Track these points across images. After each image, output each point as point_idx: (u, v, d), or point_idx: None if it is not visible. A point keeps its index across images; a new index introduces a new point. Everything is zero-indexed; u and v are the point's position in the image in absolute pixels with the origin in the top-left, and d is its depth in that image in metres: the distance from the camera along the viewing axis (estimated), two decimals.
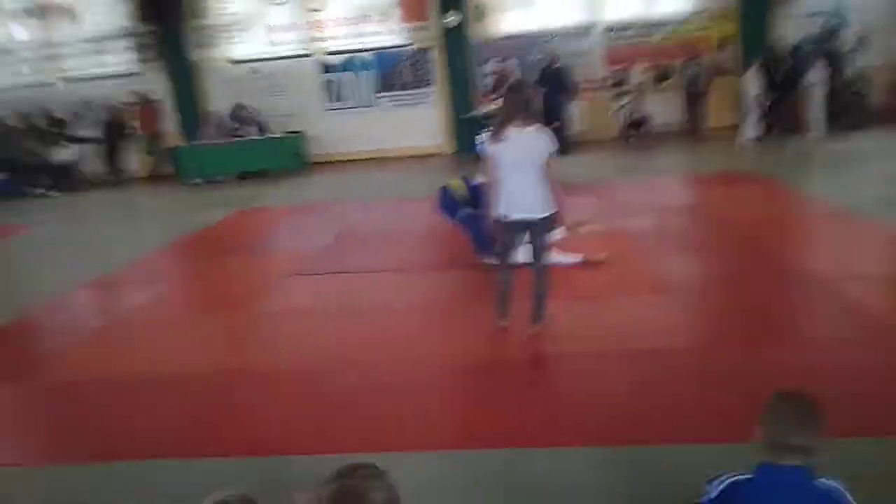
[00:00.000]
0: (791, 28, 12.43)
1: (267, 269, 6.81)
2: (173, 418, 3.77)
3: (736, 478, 1.90)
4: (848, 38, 11.84)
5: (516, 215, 4.10)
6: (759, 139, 11.49)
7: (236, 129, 13.30)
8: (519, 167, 4.00)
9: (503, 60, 13.57)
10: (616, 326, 4.45)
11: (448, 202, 6.20)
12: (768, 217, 6.87)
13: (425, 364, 4.17)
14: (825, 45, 11.75)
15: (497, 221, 4.20)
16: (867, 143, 9.35)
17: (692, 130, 12.33)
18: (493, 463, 3.06)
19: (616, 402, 3.49)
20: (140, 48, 14.37)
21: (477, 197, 5.66)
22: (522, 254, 4.59)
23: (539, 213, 4.07)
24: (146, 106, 14.24)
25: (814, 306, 4.63)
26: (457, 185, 6.15)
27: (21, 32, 14.64)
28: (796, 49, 11.95)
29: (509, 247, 4.30)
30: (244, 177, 13.05)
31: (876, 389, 3.35)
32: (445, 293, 5.54)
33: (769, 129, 11.70)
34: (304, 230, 8.58)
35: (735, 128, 12.62)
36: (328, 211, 9.40)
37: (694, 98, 12.17)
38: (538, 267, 4.28)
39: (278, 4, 13.82)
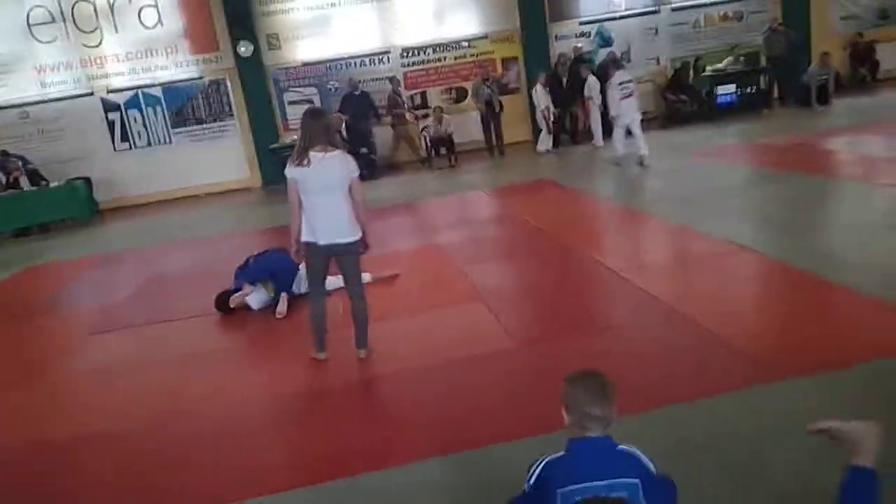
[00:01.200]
0: (566, 47, 13.69)
1: (63, 330, 6.10)
2: None
3: (549, 458, 2.03)
4: (612, 54, 13.26)
5: (323, 241, 4.03)
6: (550, 149, 12.47)
7: (5, 181, 11.84)
8: (324, 191, 3.92)
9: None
10: (436, 339, 4.54)
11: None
12: (565, 218, 7.46)
13: (250, 406, 3.95)
14: (595, 62, 13.10)
15: (304, 248, 4.11)
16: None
17: (491, 146, 13.08)
18: (333, 495, 2.97)
19: (444, 412, 3.55)
20: None
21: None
22: (332, 282, 4.61)
23: (346, 238, 4.02)
24: None
25: (610, 296, 5.07)
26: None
27: None
28: (573, 66, 13.18)
29: (318, 274, 4.21)
30: (22, 233, 11.64)
31: (665, 365, 3.73)
32: (262, 331, 5.33)
33: (557, 139, 12.77)
34: (100, 283, 7.81)
35: (528, 141, 13.64)
36: (129, 259, 8.67)
37: (489, 116, 12.92)
38: (353, 291, 4.23)
39: (47, 42, 12.58)
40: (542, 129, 12.67)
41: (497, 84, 13.15)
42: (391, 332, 4.75)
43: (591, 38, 13.94)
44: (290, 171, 3.97)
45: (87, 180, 12.41)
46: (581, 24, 14.03)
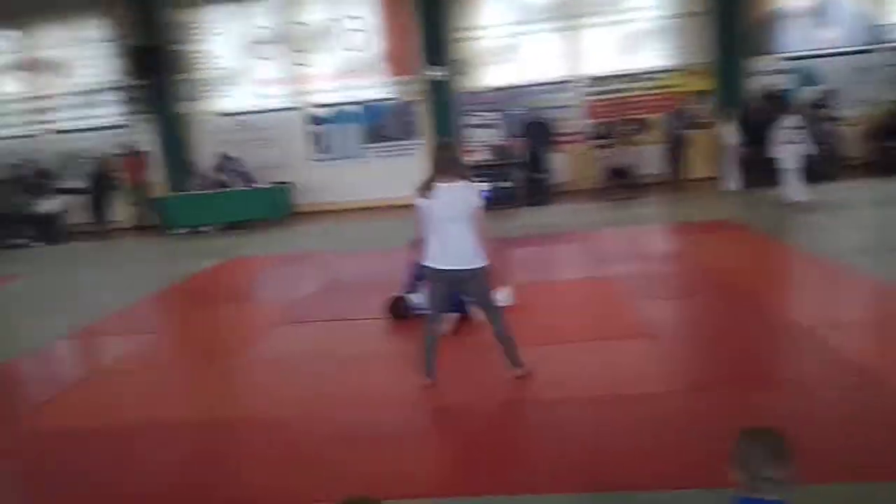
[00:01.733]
0: (764, 82, 12.91)
1: (253, 318, 6.78)
2: (154, 471, 3.70)
3: None
4: (818, 93, 12.28)
5: (447, 266, 4.19)
6: (739, 189, 11.76)
7: (222, 180, 13.40)
8: (449, 220, 4.12)
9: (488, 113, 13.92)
10: (597, 371, 4.47)
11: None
12: (749, 265, 6.98)
13: (417, 411, 4.15)
14: (797, 100, 12.18)
15: (429, 273, 4.30)
16: (841, 193, 9.60)
17: (673, 181, 12.59)
18: None
19: (595, 447, 3.49)
20: (129, 101, 14.56)
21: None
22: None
23: (469, 265, 4.17)
24: (133, 157, 14.35)
25: (794, 352, 4.67)
26: None
27: (10, 85, 14.78)
28: (769, 103, 12.39)
29: (441, 300, 4.37)
30: (230, 227, 13.11)
31: (855, 435, 3.37)
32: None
33: (748, 179, 12.00)
34: (289, 279, 8.58)
35: (714, 179, 12.96)
36: (314, 260, 9.43)
37: (675, 149, 12.46)
38: (489, 313, 4.36)
39: (266, 59, 14.11)
40: (729, 167, 12.00)
41: (687, 118, 12.68)
42: (551, 358, 4.75)
43: (793, 75, 12.99)
44: (418, 201, 4.21)
45: (288, 185, 13.68)
46: (782, 59, 13.13)
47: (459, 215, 4.12)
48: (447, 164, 4.21)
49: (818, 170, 11.49)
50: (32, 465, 3.92)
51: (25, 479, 3.78)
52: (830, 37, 13.02)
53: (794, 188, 9.49)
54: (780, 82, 12.63)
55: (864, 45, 12.94)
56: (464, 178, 4.23)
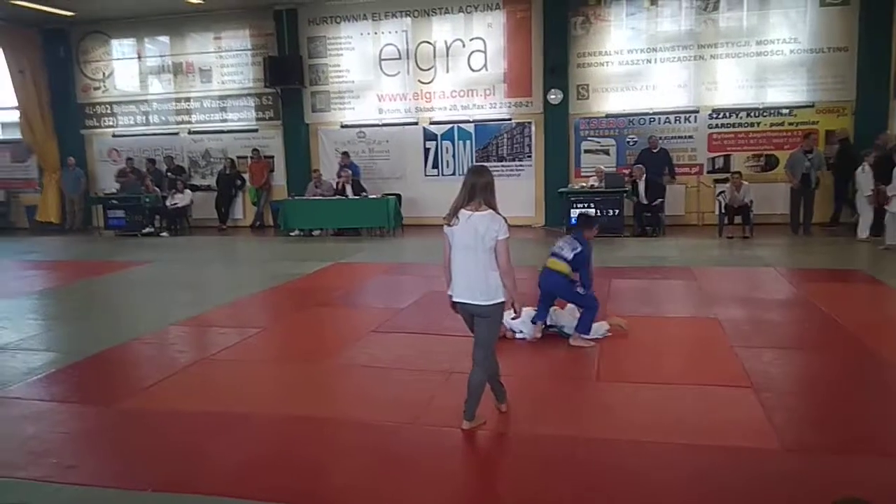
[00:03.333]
0: None
1: (354, 322, 6.98)
2: (242, 458, 3.88)
3: None
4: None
5: (458, 298, 4.02)
6: (870, 237, 10.91)
7: (338, 188, 13.94)
8: (465, 249, 3.93)
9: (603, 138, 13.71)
10: (689, 417, 4.24)
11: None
12: (871, 320, 6.43)
13: (476, 436, 4.11)
14: None
15: (451, 304, 4.12)
16: None
17: (797, 223, 11.86)
18: None
19: (680, 499, 3.31)
20: (261, 108, 15.52)
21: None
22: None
23: (481, 300, 3.94)
24: (259, 160, 15.25)
25: None
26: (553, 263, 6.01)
27: (157, 86, 16.15)
28: None
29: (470, 328, 4.14)
30: (340, 233, 13.61)
31: None
32: (527, 363, 5.48)
33: (882, 227, 11.09)
34: (390, 288, 8.79)
35: (842, 224, 12.09)
36: (417, 272, 9.60)
37: (803, 190, 11.75)
38: (476, 355, 4.06)
39: (391, 76, 14.61)
40: (863, 214, 11.15)
41: (820, 158, 11.94)
42: (640, 396, 4.58)
43: None
44: (446, 228, 4.02)
45: (399, 196, 14.04)
46: None
47: (478, 245, 3.89)
48: (475, 191, 3.92)
49: None
50: (133, 442, 4.19)
51: (126, 454, 4.06)
52: None
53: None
54: None
55: None
56: (490, 206, 3.92)
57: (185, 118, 16.11)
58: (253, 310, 7.79)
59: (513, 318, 5.54)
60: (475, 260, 3.92)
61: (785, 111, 12.83)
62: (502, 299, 3.97)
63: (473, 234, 3.89)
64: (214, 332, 6.70)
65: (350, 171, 13.89)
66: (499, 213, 3.94)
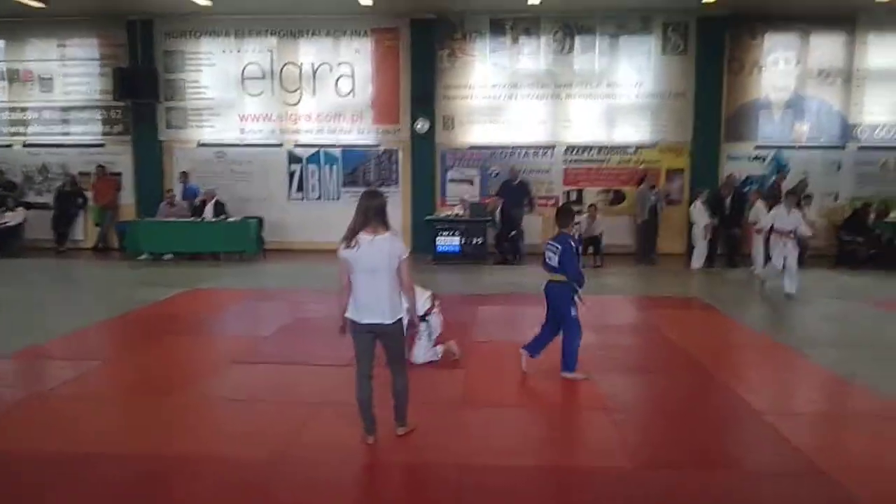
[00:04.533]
0: (735, 167, 13.41)
1: (207, 353, 6.61)
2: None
3: None
4: (797, 181, 12.74)
5: (365, 320, 4.10)
6: (704, 267, 12.01)
7: (194, 209, 13.25)
8: (369, 272, 4.02)
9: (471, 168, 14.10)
10: (543, 439, 4.43)
11: None
12: (707, 343, 7.04)
13: (352, 461, 4.03)
14: (768, 188, 12.63)
15: (350, 326, 4.19)
16: (805, 282, 9.82)
17: (642, 254, 12.81)
18: None
19: None
20: (109, 122, 14.47)
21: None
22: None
23: (388, 319, 4.09)
24: (104, 177, 14.17)
25: (746, 436, 4.68)
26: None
27: None
28: (741, 187, 12.85)
29: (364, 354, 4.19)
30: (194, 257, 12.90)
31: None
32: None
33: (712, 259, 12.28)
34: (251, 316, 8.42)
35: (681, 255, 13.23)
36: (281, 297, 9.29)
37: (647, 223, 12.74)
38: (394, 368, 4.27)
39: (254, 95, 14.20)
40: (695, 246, 12.28)
41: (663, 194, 13.05)
42: (498, 421, 4.71)
43: (766, 162, 13.50)
44: (342, 252, 4.07)
45: (260, 220, 13.56)
46: (757, 147, 13.66)
47: (382, 267, 4.02)
48: (372, 214, 4.03)
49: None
50: None
51: None
52: (803, 130, 13.61)
53: (766, 269, 9.91)
54: (750, 170, 13.17)
55: (835, 141, 13.56)
56: (387, 227, 4.07)
57: (21, 129, 14.65)
58: (96, 340, 7.16)
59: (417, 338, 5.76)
60: (380, 281, 4.04)
61: (631, 150, 13.89)
62: (402, 315, 4.17)
63: (379, 257, 4.00)
64: (50, 365, 6.08)
65: (215, 190, 13.31)
66: (395, 233, 4.11)
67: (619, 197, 13.92)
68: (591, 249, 12.52)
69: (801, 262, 9.94)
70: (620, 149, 13.89)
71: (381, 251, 4.01)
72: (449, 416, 4.84)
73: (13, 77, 14.50)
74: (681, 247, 13.51)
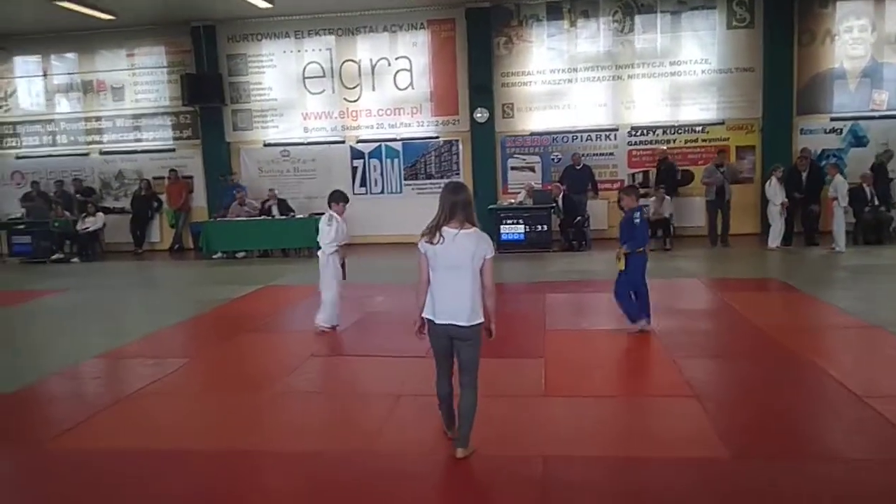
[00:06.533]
0: (809, 141, 12.80)
1: (285, 348, 6.75)
2: (179, 499, 3.64)
3: None
4: (882, 153, 12.12)
5: (441, 320, 3.81)
6: (781, 247, 11.54)
7: (264, 208, 13.59)
8: (451, 269, 3.75)
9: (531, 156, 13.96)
10: (633, 430, 4.31)
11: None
12: (792, 325, 6.76)
13: (431, 454, 4.02)
14: (844, 162, 12.05)
15: (426, 325, 3.93)
16: (890, 258, 9.33)
17: (714, 235, 12.41)
18: None
19: None
20: (178, 127, 14.95)
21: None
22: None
23: (465, 321, 3.77)
24: (176, 181, 14.65)
25: (847, 422, 4.45)
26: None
27: (65, 105, 15.31)
28: (817, 162, 12.28)
29: (441, 354, 3.94)
30: (265, 254, 13.23)
31: None
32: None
33: (790, 238, 11.78)
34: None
35: (755, 235, 12.75)
36: (351, 292, 9.37)
37: (718, 203, 12.31)
38: (464, 379, 3.90)
39: (315, 94, 14.41)
40: (772, 224, 11.81)
41: (731, 171, 12.57)
42: (581, 411, 4.61)
43: (843, 135, 12.86)
44: (423, 246, 3.82)
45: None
46: (832, 119, 13.02)
47: (463, 265, 3.75)
48: (458, 208, 3.76)
49: (869, 233, 11.30)
50: (53, 487, 3.87)
51: (56, 500, 3.74)
52: (882, 98, 12.88)
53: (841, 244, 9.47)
54: (827, 143, 12.56)
55: None
56: (472, 223, 3.80)
57: (96, 138, 15.32)
58: (179, 338, 7.40)
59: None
60: (461, 280, 3.76)
61: (698, 128, 13.45)
62: (482, 320, 3.84)
63: (462, 254, 3.74)
64: (140, 365, 6.31)
65: (275, 191, 13.64)
66: (481, 230, 3.83)
67: (687, 177, 13.51)
68: (660, 232, 12.21)
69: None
70: (687, 128, 13.48)
71: (466, 248, 3.74)
72: (531, 407, 4.78)
73: (87, 88, 15.15)
74: (756, 226, 13.02)
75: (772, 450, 3.98)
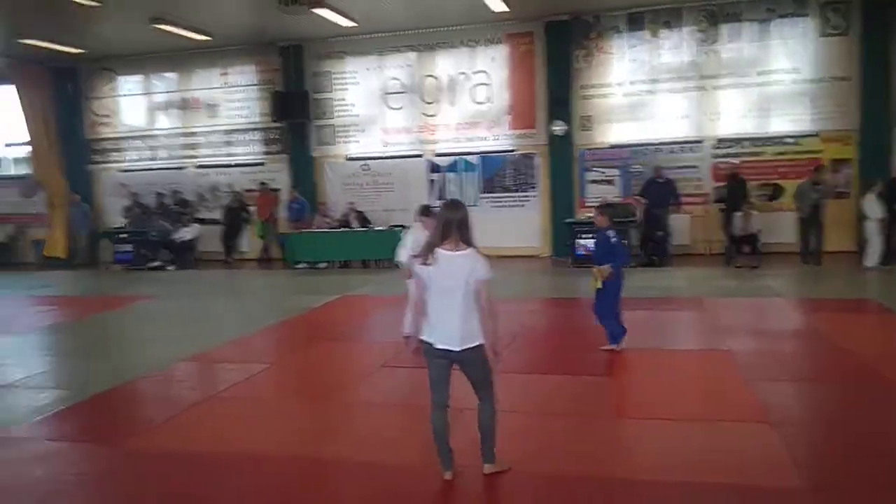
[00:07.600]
0: None
1: (361, 357, 6.93)
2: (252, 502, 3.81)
3: None
4: None
5: (439, 344, 3.72)
6: (879, 266, 10.86)
7: (345, 220, 14.01)
8: (445, 292, 3.66)
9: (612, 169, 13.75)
10: (704, 456, 4.15)
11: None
12: (886, 352, 6.33)
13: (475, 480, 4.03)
14: None
15: (425, 349, 3.81)
16: None
17: (806, 252, 11.80)
18: None
19: None
20: (267, 142, 15.65)
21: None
22: None
23: (458, 346, 3.67)
24: (265, 194, 15.30)
25: None
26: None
27: (164, 121, 16.33)
28: None
29: (437, 379, 3.83)
30: (345, 265, 13.63)
31: None
32: (540, 398, 5.40)
33: (888, 256, 11.06)
34: (398, 320, 8.70)
35: (851, 253, 12.04)
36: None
37: (811, 219, 11.69)
38: (480, 394, 3.85)
39: (395, 109, 14.74)
40: (871, 242, 11.12)
41: (828, 189, 11.90)
42: (651, 434, 4.50)
43: None
44: (416, 268, 3.78)
45: (405, 228, 14.02)
46: None
47: (457, 288, 3.62)
48: (453, 227, 3.67)
49: None
50: (134, 486, 4.11)
51: (136, 498, 3.99)
52: None
53: None
54: None
55: None
56: (468, 243, 3.69)
57: (192, 153, 16.22)
58: (261, 345, 7.74)
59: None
60: (455, 304, 3.65)
61: (789, 140, 12.87)
62: (479, 342, 3.72)
63: (455, 276, 3.64)
64: (222, 369, 6.65)
65: (355, 203, 14.07)
66: (478, 250, 3.73)
67: (776, 191, 12.93)
68: (746, 249, 11.74)
69: None
70: (777, 140, 12.92)
71: (460, 270, 3.63)
72: (597, 427, 4.73)
73: (184, 105, 16.10)
74: (851, 244, 12.30)
75: (856, 482, 3.77)
